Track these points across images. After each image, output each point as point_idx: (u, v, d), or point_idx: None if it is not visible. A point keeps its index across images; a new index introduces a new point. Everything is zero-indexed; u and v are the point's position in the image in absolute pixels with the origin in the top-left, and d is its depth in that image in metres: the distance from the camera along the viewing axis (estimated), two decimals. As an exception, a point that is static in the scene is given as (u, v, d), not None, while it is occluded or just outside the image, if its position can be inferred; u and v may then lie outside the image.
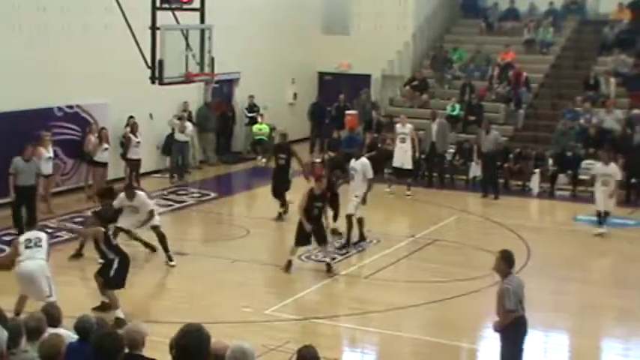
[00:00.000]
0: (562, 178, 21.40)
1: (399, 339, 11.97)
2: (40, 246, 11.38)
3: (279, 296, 13.53)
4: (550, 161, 21.67)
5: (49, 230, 16.63)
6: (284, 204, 17.96)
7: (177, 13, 15.49)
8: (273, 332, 11.69)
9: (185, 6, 15.43)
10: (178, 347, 5.73)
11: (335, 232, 16.23)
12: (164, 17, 14.98)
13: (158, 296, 14.16)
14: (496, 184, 20.86)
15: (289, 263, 14.53)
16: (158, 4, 14.75)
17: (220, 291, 13.63)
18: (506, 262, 9.39)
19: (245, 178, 23.56)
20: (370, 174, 16.17)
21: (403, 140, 20.92)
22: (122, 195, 14.36)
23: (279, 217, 17.88)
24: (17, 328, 6.74)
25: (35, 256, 11.26)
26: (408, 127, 21.06)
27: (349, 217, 15.87)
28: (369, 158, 22.91)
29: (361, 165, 16.23)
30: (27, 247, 11.33)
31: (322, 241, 14.58)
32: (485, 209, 19.84)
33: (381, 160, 21.22)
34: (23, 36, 18.44)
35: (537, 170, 21.53)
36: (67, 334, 7.18)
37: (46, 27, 18.93)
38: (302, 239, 14.46)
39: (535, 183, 21.39)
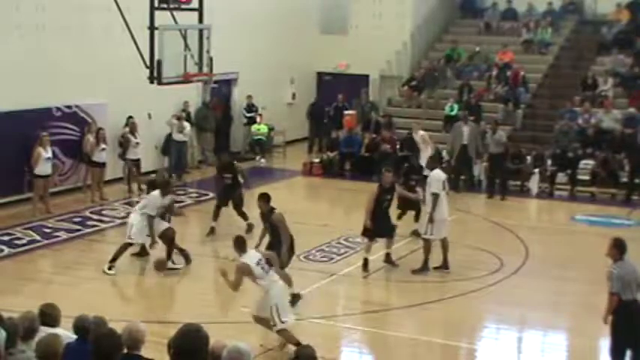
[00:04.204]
0: (561, 178, 21.40)
1: (398, 339, 11.95)
2: None
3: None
4: (549, 161, 21.67)
5: (47, 230, 16.77)
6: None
7: (175, 13, 15.49)
8: (271, 332, 11.67)
9: (183, 6, 15.44)
10: (177, 347, 5.71)
11: (415, 233, 16.10)
12: (162, 17, 14.98)
13: (158, 296, 14.14)
14: (504, 185, 20.78)
15: (366, 261, 14.64)
16: (156, 4, 14.75)
17: (219, 291, 13.62)
18: (617, 248, 9.96)
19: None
20: (435, 188, 14.35)
21: None
22: None
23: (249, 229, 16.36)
24: (15, 328, 6.73)
25: None
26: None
27: (424, 240, 14.65)
28: (366, 158, 23.23)
29: (430, 177, 14.61)
30: None
31: (389, 234, 14.75)
32: (484, 209, 19.84)
33: (380, 161, 21.14)
34: (22, 36, 18.42)
35: (536, 170, 21.52)
36: (66, 334, 7.16)
37: (44, 27, 18.91)
38: (372, 233, 14.56)
39: (534, 183, 21.39)
